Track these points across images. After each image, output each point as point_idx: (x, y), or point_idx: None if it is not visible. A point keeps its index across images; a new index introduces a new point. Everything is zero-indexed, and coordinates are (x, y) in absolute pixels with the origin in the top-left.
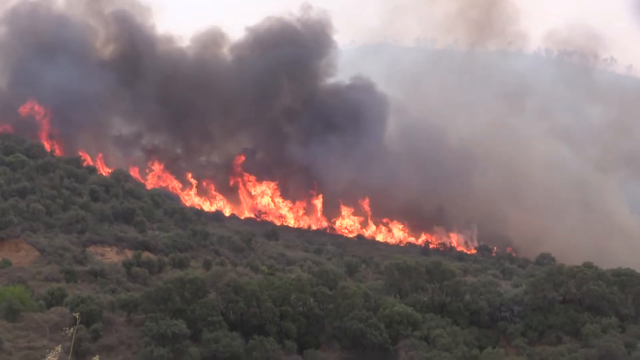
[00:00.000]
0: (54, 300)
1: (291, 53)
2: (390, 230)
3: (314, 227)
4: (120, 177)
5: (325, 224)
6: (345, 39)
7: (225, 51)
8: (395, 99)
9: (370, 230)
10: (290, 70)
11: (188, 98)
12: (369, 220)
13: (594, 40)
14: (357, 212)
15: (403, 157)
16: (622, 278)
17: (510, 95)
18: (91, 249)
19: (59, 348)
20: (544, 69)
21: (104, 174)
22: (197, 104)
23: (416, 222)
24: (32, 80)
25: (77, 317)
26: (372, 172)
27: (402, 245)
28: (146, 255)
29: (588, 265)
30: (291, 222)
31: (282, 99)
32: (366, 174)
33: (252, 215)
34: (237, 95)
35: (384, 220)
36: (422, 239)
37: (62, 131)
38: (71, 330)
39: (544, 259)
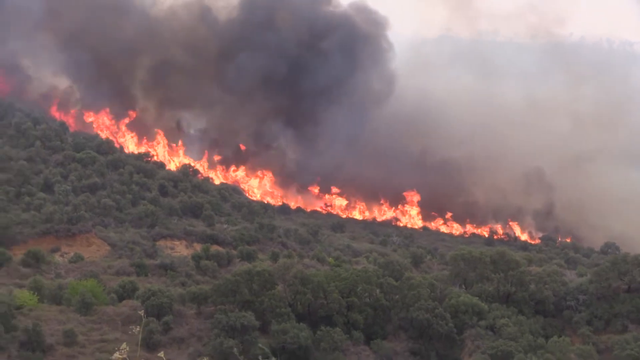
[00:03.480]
0: (125, 293)
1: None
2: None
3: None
4: (188, 171)
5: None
6: None
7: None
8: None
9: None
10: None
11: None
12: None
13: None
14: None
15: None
16: None
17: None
18: (161, 243)
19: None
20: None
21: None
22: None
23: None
24: None
25: (143, 315)
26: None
27: (466, 236)
28: (215, 248)
29: None
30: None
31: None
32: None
33: (318, 208)
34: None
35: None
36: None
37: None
38: (137, 328)
39: (609, 248)
